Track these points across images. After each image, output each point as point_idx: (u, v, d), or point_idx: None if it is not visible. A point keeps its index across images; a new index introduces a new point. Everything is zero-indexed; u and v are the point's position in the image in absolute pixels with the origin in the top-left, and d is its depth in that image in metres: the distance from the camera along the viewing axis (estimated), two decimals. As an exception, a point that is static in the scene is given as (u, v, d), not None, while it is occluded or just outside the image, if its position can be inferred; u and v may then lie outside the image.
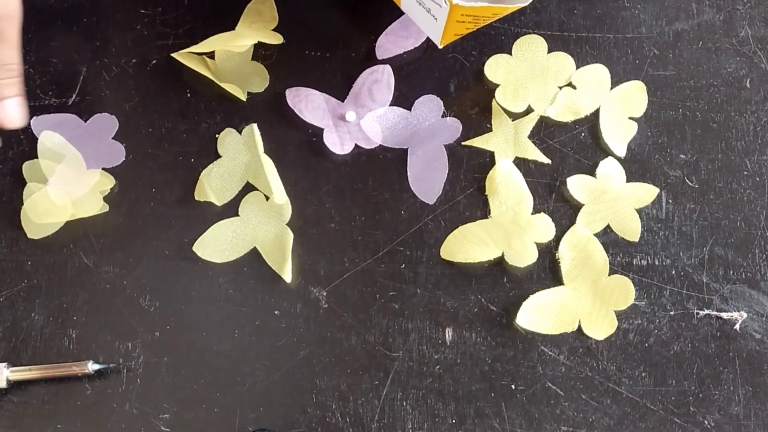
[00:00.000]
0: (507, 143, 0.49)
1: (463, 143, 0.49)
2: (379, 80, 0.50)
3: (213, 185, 0.49)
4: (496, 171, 0.48)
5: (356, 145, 0.49)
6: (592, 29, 0.51)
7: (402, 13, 0.52)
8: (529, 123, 0.49)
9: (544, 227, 0.47)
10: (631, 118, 0.49)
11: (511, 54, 0.51)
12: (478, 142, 0.49)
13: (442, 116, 0.50)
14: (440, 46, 0.49)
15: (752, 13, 0.52)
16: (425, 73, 0.50)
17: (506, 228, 0.47)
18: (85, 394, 0.45)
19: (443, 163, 0.49)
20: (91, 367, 0.44)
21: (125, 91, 0.51)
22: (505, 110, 0.49)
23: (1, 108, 0.41)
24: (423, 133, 0.49)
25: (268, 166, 0.48)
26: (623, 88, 0.50)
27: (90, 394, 0.45)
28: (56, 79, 0.52)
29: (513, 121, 0.49)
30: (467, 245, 0.47)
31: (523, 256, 0.46)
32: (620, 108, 0.49)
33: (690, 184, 0.48)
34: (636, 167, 0.48)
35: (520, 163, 0.48)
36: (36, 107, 0.51)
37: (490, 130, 0.49)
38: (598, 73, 0.50)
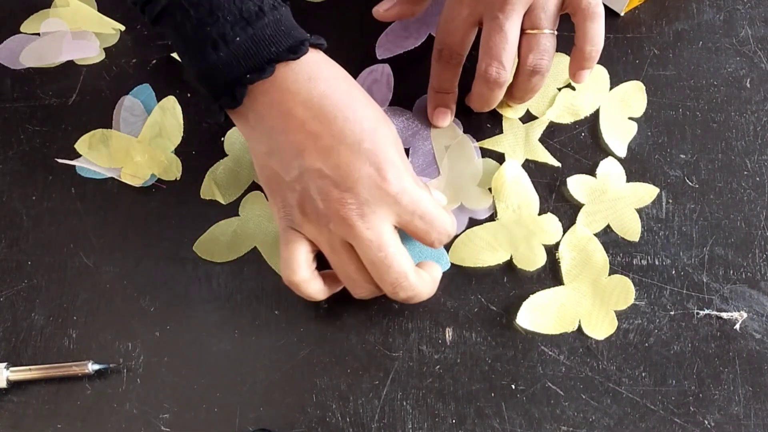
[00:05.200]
0: (517, 145, 0.49)
1: (474, 144, 0.49)
2: (378, 80, 0.50)
3: (219, 183, 0.49)
4: (501, 173, 0.48)
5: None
6: (592, 29, 0.51)
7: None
8: (540, 126, 0.49)
9: (551, 229, 0.47)
10: (630, 118, 0.49)
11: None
12: (488, 143, 0.49)
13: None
14: (622, 13, 0.51)
15: (752, 13, 0.52)
16: (427, 72, 0.50)
17: (513, 231, 0.47)
18: (85, 394, 0.45)
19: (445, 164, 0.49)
20: (91, 367, 0.44)
21: (125, 91, 0.51)
22: (504, 117, 0.49)
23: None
24: (425, 133, 0.49)
25: None
26: (623, 89, 0.50)
27: (90, 394, 0.45)
28: (56, 79, 0.52)
29: (524, 123, 0.49)
30: (475, 250, 0.46)
31: (532, 260, 0.46)
32: (620, 108, 0.49)
33: (690, 184, 0.48)
34: (636, 167, 0.48)
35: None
36: (36, 107, 0.51)
37: (500, 131, 0.49)
38: (596, 74, 0.50)
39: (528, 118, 0.50)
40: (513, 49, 0.44)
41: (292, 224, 0.42)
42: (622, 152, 0.48)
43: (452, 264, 0.46)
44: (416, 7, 0.48)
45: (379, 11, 0.48)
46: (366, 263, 0.41)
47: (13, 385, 0.45)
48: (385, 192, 0.39)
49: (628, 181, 0.48)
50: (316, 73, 0.40)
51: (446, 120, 0.48)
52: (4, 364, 0.45)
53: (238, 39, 0.39)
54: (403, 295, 0.41)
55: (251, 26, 0.39)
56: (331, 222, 0.40)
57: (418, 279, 0.41)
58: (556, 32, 0.45)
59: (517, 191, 0.47)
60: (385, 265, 0.40)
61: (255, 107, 0.41)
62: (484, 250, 0.46)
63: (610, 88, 0.50)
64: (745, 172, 0.48)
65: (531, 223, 0.47)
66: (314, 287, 0.43)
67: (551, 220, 0.47)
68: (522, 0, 0.43)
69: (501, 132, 0.49)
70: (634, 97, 0.50)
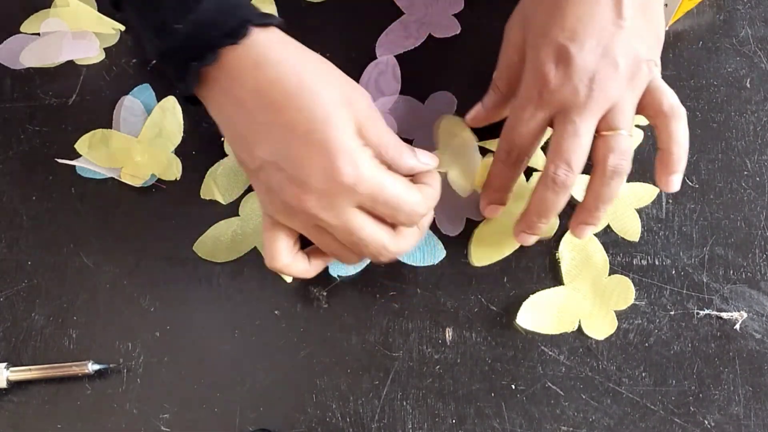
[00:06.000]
0: None
1: (478, 144, 0.49)
2: (384, 71, 0.50)
3: (219, 183, 0.49)
4: (487, 166, 0.47)
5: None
6: (592, 29, 0.51)
7: (402, 13, 0.52)
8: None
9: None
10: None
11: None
12: (492, 144, 0.48)
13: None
14: (666, 28, 0.50)
15: (752, 13, 0.52)
16: (430, 69, 0.50)
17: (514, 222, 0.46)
18: (85, 394, 0.45)
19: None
20: (91, 367, 0.44)
21: (125, 91, 0.51)
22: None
23: None
24: (431, 128, 0.49)
25: None
26: None
27: (90, 394, 0.45)
28: (56, 79, 0.52)
29: None
30: (492, 245, 0.46)
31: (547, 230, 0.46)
32: None
33: (690, 184, 0.48)
34: (636, 167, 0.48)
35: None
36: (36, 107, 0.51)
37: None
38: None
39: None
40: (585, 154, 0.41)
41: (267, 211, 0.41)
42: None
43: (447, 261, 0.46)
44: (507, 106, 0.46)
45: (468, 120, 0.47)
46: (344, 243, 0.40)
47: (13, 385, 0.45)
48: (340, 183, 0.38)
49: (628, 181, 0.48)
50: (264, 57, 0.38)
51: (497, 213, 0.47)
52: (4, 364, 0.45)
53: (178, 26, 0.38)
54: (386, 260, 0.41)
55: (191, 11, 0.38)
56: (297, 214, 0.39)
57: (398, 243, 0.41)
58: (632, 136, 0.42)
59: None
60: (361, 245, 0.40)
61: (211, 94, 0.40)
62: (501, 245, 0.47)
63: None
64: (745, 172, 0.48)
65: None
66: (298, 268, 0.42)
67: None
68: (600, 104, 0.40)
69: None
70: None
